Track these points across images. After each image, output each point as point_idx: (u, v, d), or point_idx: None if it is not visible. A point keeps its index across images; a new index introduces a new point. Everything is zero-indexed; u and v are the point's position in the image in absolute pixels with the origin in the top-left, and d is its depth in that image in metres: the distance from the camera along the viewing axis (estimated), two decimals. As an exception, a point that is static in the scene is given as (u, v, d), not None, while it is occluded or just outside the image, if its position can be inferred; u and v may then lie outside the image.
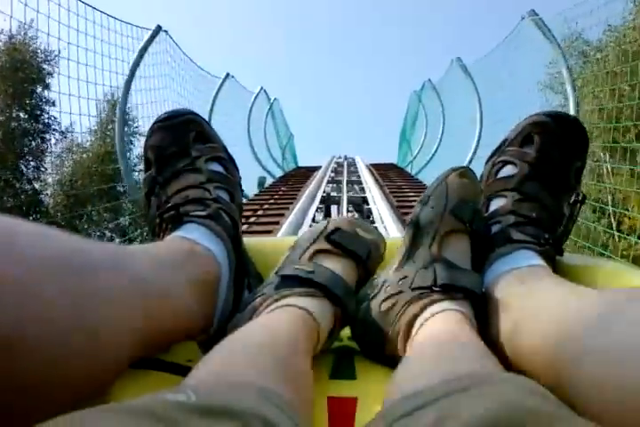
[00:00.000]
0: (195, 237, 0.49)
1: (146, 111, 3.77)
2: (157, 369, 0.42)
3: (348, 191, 4.40)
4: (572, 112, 2.94)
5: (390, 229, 2.70)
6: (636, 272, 0.48)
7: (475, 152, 4.74)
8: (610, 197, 4.52)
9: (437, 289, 0.44)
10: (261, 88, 7.21)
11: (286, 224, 2.87)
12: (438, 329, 0.41)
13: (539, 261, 0.48)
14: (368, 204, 3.87)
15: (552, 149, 0.55)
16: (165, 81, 3.88)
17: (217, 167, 0.57)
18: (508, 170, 0.57)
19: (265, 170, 6.96)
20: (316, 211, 3.64)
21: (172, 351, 0.45)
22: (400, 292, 0.46)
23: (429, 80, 7.41)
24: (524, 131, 0.57)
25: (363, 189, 4.68)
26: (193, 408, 0.22)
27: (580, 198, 0.51)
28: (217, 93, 5.30)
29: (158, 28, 3.36)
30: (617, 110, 3.34)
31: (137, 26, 3.38)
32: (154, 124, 0.57)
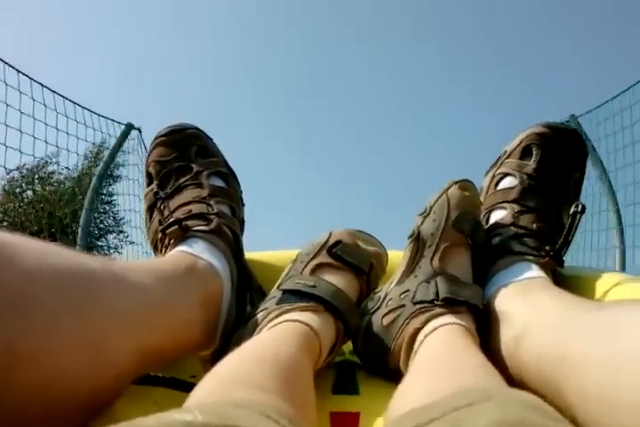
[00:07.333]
0: (197, 251, 0.49)
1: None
2: (161, 385, 0.42)
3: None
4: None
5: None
6: (636, 283, 0.48)
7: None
8: None
9: (439, 303, 0.44)
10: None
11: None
12: (441, 343, 0.41)
13: (539, 272, 0.48)
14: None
15: (551, 160, 0.56)
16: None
17: (218, 182, 0.57)
18: (507, 182, 0.57)
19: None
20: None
21: (176, 367, 0.46)
22: (402, 306, 0.46)
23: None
24: (523, 142, 0.57)
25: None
26: None
27: (579, 209, 0.51)
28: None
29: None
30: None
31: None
32: (156, 138, 0.58)
